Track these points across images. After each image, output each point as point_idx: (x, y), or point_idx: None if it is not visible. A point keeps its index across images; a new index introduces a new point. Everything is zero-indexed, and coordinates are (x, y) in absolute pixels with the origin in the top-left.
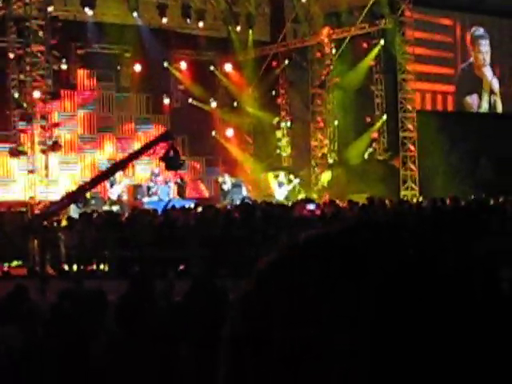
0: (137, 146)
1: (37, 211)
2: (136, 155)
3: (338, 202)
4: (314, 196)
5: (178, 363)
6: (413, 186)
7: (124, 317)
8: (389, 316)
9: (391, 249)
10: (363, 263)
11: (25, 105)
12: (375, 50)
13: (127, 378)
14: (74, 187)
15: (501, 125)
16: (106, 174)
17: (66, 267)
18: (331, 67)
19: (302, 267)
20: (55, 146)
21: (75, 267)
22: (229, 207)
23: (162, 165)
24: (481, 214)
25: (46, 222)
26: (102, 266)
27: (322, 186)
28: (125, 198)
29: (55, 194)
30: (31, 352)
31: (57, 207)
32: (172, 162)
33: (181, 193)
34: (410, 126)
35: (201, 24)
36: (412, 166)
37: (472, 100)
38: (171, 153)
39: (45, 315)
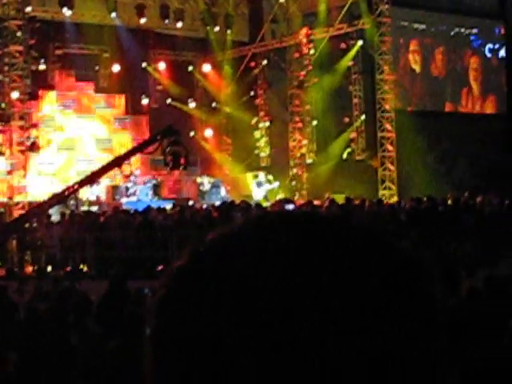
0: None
1: (19, 212)
2: (135, 151)
3: (315, 202)
4: (292, 196)
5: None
6: (391, 185)
7: (104, 316)
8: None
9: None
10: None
11: (3, 105)
12: (353, 51)
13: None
14: (60, 188)
15: (476, 125)
16: (99, 174)
17: (46, 268)
18: (310, 67)
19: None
20: (34, 147)
21: (54, 267)
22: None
23: (141, 165)
24: (457, 213)
25: (27, 224)
26: (81, 266)
27: (302, 185)
28: (103, 198)
29: (34, 194)
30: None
31: (42, 208)
32: (175, 160)
33: (158, 193)
34: (388, 126)
35: (179, 24)
36: (390, 166)
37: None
38: (176, 150)
39: (21, 316)
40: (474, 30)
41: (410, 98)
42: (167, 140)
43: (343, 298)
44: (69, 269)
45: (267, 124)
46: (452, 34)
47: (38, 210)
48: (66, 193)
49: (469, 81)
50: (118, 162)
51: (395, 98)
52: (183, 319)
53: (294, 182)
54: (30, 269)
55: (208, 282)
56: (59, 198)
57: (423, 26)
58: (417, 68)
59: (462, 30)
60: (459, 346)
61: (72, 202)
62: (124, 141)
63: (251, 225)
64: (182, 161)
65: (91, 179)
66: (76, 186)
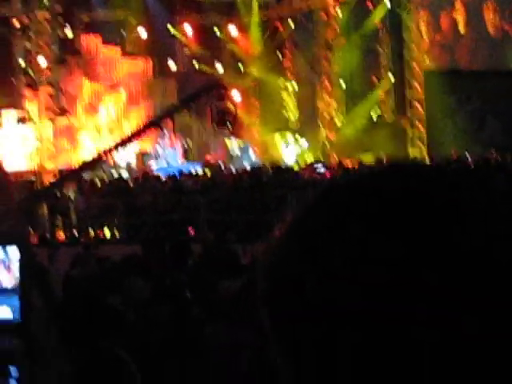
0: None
1: (50, 179)
2: (180, 108)
3: (346, 163)
4: (322, 158)
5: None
6: (420, 145)
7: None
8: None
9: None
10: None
11: (31, 72)
12: (381, 10)
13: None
14: (92, 155)
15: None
16: (137, 135)
17: (77, 234)
18: (337, 29)
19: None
20: (63, 113)
21: (85, 234)
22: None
23: (169, 129)
24: (487, 172)
25: (57, 191)
26: (111, 233)
27: (331, 147)
28: (133, 164)
29: (63, 162)
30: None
31: (74, 175)
32: (222, 117)
33: (188, 156)
34: (417, 86)
35: None
36: (419, 126)
37: None
38: (223, 106)
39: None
40: None
41: (454, 58)
42: (212, 95)
43: None
44: (101, 235)
45: (296, 86)
46: None
47: (70, 176)
48: (99, 158)
49: None
50: (160, 121)
51: (431, 57)
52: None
53: (327, 143)
54: (61, 235)
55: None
56: (92, 165)
57: None
58: (461, 28)
59: None
60: None
61: (103, 167)
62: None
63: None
64: (230, 118)
65: (128, 141)
66: (110, 149)
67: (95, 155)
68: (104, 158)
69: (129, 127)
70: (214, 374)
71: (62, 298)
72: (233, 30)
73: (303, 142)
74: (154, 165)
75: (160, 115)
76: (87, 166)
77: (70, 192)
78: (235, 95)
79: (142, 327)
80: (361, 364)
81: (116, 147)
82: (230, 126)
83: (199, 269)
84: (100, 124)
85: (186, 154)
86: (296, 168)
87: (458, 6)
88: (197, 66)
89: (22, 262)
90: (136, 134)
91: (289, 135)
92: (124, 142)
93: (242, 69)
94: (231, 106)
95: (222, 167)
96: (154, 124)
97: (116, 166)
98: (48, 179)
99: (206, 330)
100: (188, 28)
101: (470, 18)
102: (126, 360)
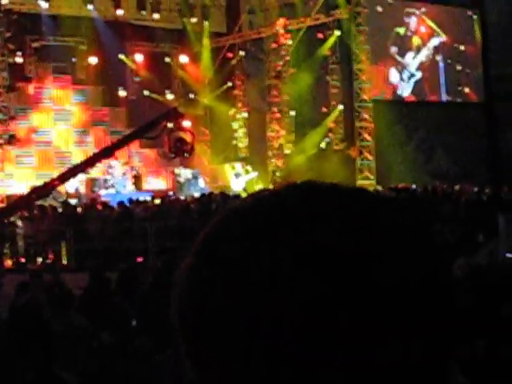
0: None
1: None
2: (135, 136)
3: None
4: (271, 187)
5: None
6: (369, 175)
7: (88, 308)
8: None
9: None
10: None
11: None
12: (331, 41)
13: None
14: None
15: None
16: (91, 163)
17: (24, 260)
18: (287, 58)
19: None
20: (12, 140)
21: (33, 261)
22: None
23: (119, 157)
24: (434, 201)
25: (6, 219)
26: (59, 259)
27: (280, 175)
28: (82, 190)
29: (12, 187)
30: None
31: (25, 201)
32: (179, 146)
33: (137, 185)
34: (366, 116)
35: (156, 16)
36: (368, 156)
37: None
38: (181, 136)
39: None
40: None
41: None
42: (171, 124)
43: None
44: (49, 261)
45: (245, 115)
46: None
47: (21, 203)
48: (51, 185)
49: None
50: (115, 149)
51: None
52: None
53: (277, 173)
54: (9, 262)
55: (243, 244)
56: (43, 191)
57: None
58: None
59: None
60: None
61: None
62: (101, 134)
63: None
64: (187, 147)
65: (81, 169)
66: (64, 177)
67: (47, 182)
68: (55, 185)
69: (80, 155)
70: None
71: (7, 324)
72: (183, 58)
73: (253, 172)
74: (102, 191)
75: (116, 143)
76: (37, 192)
77: (17, 218)
78: (186, 123)
79: (84, 353)
80: None
81: (68, 174)
82: (187, 155)
83: (147, 297)
84: (50, 151)
85: (136, 182)
86: (243, 196)
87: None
88: (147, 94)
89: None
90: (90, 162)
91: (238, 165)
92: (77, 170)
93: (192, 97)
94: (188, 135)
95: (171, 195)
96: (108, 151)
97: (64, 192)
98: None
99: (154, 359)
100: (139, 56)
101: None
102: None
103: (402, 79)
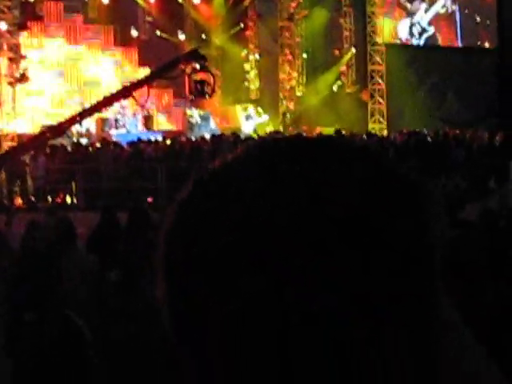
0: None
1: (9, 144)
2: (156, 76)
3: (305, 135)
4: (281, 129)
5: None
6: (381, 119)
7: (97, 247)
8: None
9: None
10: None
11: None
12: None
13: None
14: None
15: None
16: (108, 102)
17: (34, 199)
18: (300, 0)
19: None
20: (23, 78)
21: (43, 199)
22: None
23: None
24: (446, 147)
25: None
26: (69, 198)
27: (291, 118)
28: (93, 130)
29: (23, 126)
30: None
31: (39, 140)
32: (201, 87)
33: (148, 125)
34: (379, 59)
35: None
36: (380, 100)
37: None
38: (203, 77)
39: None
40: None
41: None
42: (193, 66)
43: (342, 223)
44: (59, 200)
45: (257, 56)
46: None
47: (34, 142)
48: (66, 124)
49: None
50: (131, 90)
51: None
52: (192, 246)
53: (287, 115)
54: (19, 201)
55: (215, 207)
56: (57, 131)
57: None
58: None
59: None
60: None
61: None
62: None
63: (253, 152)
64: (208, 89)
65: (97, 109)
66: (78, 118)
67: (60, 121)
68: (69, 124)
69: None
70: None
71: (19, 260)
72: None
73: (263, 113)
74: (113, 131)
75: (135, 83)
76: (51, 131)
77: (28, 157)
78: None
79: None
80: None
81: (83, 114)
82: (208, 97)
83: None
84: (61, 91)
85: (147, 122)
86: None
87: None
88: (159, 34)
89: None
90: (107, 102)
91: (249, 107)
92: (92, 110)
93: (204, 38)
94: (210, 78)
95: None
96: (127, 91)
97: (75, 132)
98: (7, 144)
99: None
100: None
101: None
102: (74, 319)
103: (411, 34)
